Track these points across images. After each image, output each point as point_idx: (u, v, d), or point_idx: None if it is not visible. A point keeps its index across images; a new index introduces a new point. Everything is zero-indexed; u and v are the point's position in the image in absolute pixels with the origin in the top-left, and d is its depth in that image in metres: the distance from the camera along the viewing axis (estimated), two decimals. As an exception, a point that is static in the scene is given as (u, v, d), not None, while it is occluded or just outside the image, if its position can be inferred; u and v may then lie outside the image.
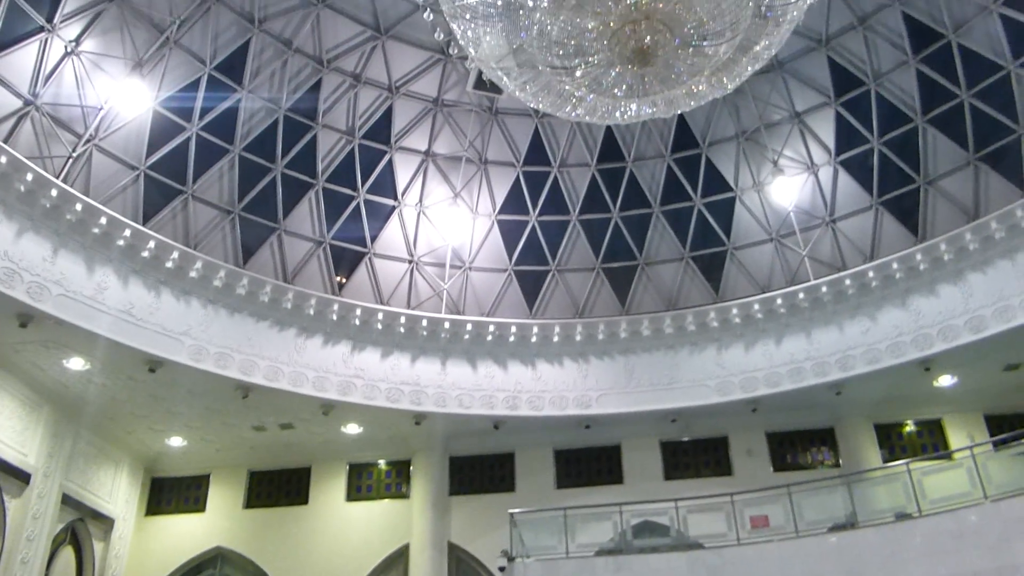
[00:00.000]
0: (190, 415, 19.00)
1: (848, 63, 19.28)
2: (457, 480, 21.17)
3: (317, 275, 19.67)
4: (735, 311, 19.70)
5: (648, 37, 9.43)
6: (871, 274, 18.40)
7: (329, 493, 21.33)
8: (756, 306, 19.54)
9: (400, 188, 20.80)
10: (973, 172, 18.13)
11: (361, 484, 21.52)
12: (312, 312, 18.55)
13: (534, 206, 21.40)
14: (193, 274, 17.03)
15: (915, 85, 18.60)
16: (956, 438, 19.55)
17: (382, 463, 21.65)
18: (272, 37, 18.08)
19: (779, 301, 19.33)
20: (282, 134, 18.96)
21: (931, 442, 20.13)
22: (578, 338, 20.26)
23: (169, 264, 16.67)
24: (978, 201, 17.98)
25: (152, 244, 16.38)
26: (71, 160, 15.74)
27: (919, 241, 18.40)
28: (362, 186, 20.24)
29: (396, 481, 21.46)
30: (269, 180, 18.99)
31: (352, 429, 19.96)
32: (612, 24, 9.50)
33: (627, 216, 21.40)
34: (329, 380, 18.32)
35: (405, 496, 21.02)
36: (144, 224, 16.68)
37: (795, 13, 10.38)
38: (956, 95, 18.01)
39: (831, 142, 20.07)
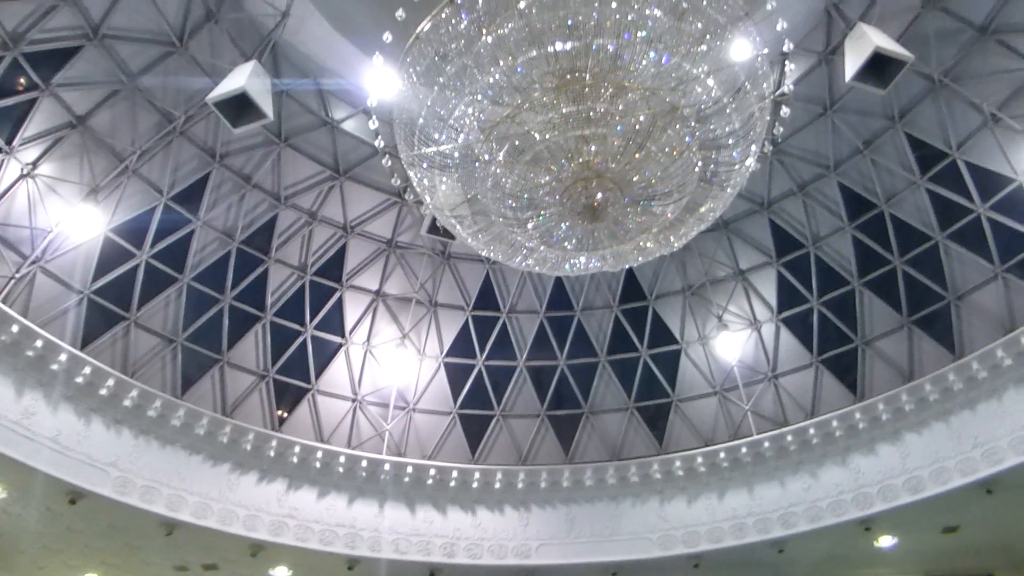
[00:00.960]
0: (108, 551, 17.94)
1: (788, 226, 20.16)
2: (388, 632, 20.19)
3: (257, 409, 19.23)
4: (678, 463, 19.66)
5: (599, 195, 9.79)
6: (812, 431, 18.61)
7: (251, 642, 20.09)
8: (699, 459, 19.54)
9: (348, 326, 20.75)
10: (907, 335, 18.72)
11: (286, 633, 20.35)
12: (249, 447, 18.06)
13: (482, 350, 21.45)
14: (127, 403, 16.57)
15: (851, 250, 19.44)
16: (898, 602, 19.36)
17: (310, 611, 20.57)
18: (232, 172, 18.35)
19: (722, 455, 19.36)
20: (234, 266, 18.94)
21: (873, 606, 19.89)
22: (520, 485, 19.94)
23: (103, 391, 16.23)
24: (912, 363, 18.49)
25: (88, 370, 15.98)
26: (13, 281, 15.49)
27: (858, 400, 18.74)
28: (310, 322, 20.16)
29: (323, 631, 20.35)
30: (216, 311, 18.81)
31: (280, 572, 19.00)
32: (564, 180, 9.87)
33: (574, 364, 21.54)
34: (261, 519, 17.62)
35: (332, 648, 19.90)
36: (82, 349, 16.29)
37: (738, 179, 10.93)
38: (889, 261, 18.84)
39: (773, 300, 20.70)
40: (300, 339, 20.06)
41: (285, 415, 19.61)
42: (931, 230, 18.08)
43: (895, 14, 15.90)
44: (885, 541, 18.56)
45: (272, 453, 18.28)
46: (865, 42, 13.66)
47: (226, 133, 16.73)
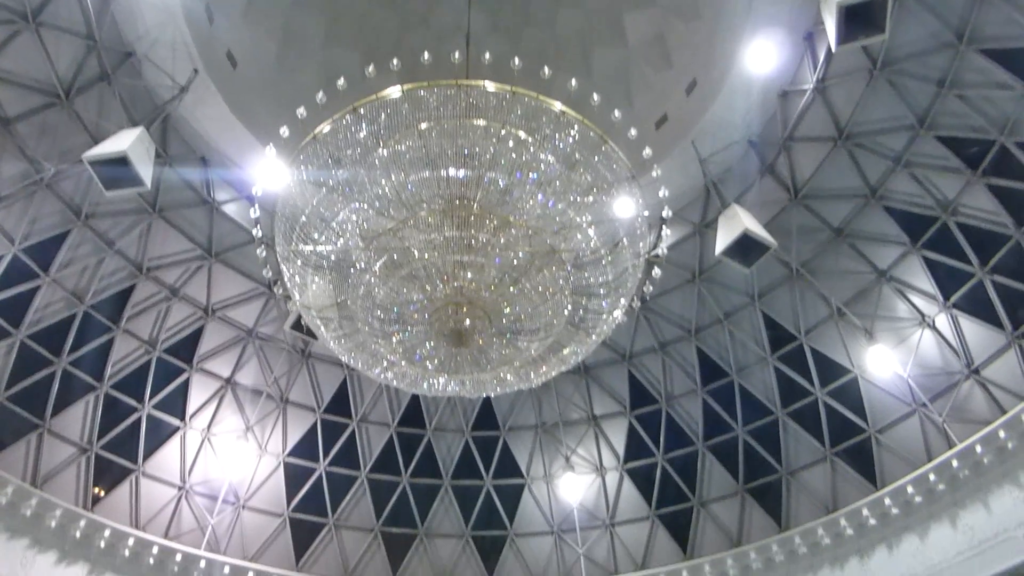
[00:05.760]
0: None
1: (645, 380, 20.82)
2: None
3: (72, 485, 17.70)
4: (505, 601, 19.34)
5: (467, 321, 9.91)
6: (640, 585, 18.80)
7: None
8: (526, 599, 19.30)
9: (190, 410, 19.68)
10: (740, 502, 19.37)
11: None
12: (53, 524, 16.52)
13: (326, 455, 20.78)
14: (-77, 460, 15.07)
15: (700, 412, 20.19)
16: None
17: None
18: (95, 233, 17.34)
19: (549, 600, 19.21)
20: (76, 330, 17.74)
21: None
22: (340, 603, 19.08)
23: (-101, 443, 14.74)
24: (741, 529, 19.10)
25: None
26: None
27: (686, 558, 19.11)
28: (149, 400, 18.99)
29: None
30: (47, 373, 17.44)
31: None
32: (436, 301, 9.95)
33: (416, 483, 21.14)
34: (50, 607, 16.07)
35: None
36: None
37: (604, 328, 11.29)
38: (733, 428, 19.62)
39: (621, 449, 21.10)
40: (134, 416, 18.80)
41: (102, 494, 18.16)
42: (773, 405, 19.04)
43: (766, 204, 17.17)
44: None
45: (78, 534, 16.81)
46: (736, 222, 14.63)
47: (96, 194, 15.96)
